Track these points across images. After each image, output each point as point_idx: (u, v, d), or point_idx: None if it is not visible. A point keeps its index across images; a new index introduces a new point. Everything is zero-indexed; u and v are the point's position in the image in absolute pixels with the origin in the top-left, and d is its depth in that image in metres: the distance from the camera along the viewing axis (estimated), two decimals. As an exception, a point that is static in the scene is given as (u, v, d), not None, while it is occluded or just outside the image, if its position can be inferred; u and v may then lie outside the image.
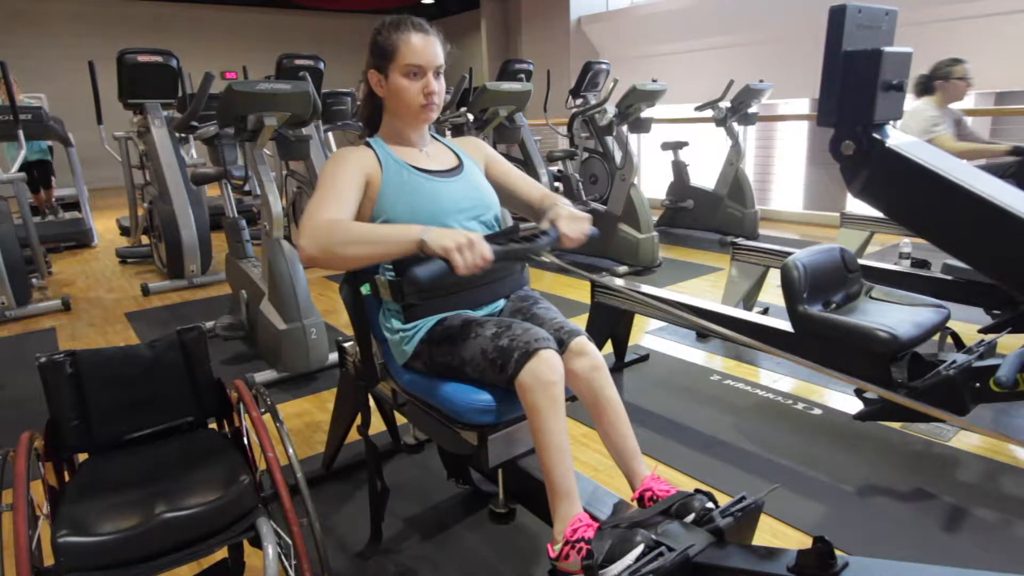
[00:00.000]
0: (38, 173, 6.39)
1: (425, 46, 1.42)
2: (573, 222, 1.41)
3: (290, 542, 1.36)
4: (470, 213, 1.49)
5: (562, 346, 1.36)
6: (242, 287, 3.35)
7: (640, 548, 1.11)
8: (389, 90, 1.46)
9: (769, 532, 1.80)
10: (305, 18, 13.20)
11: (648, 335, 3.38)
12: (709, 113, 5.39)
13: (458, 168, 1.55)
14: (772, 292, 3.21)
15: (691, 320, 2.49)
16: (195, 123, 3.57)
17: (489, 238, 1.28)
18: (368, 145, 1.50)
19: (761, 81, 5.30)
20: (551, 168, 5.83)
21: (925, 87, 3.42)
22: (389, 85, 1.45)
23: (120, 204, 7.38)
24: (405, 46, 1.41)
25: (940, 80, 3.35)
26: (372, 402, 1.76)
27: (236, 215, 3.55)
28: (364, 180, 1.42)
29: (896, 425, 2.32)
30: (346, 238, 1.25)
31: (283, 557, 1.34)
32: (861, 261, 2.71)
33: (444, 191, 1.47)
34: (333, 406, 2.09)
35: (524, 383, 1.24)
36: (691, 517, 1.21)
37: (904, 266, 3.06)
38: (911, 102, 3.51)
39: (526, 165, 5.71)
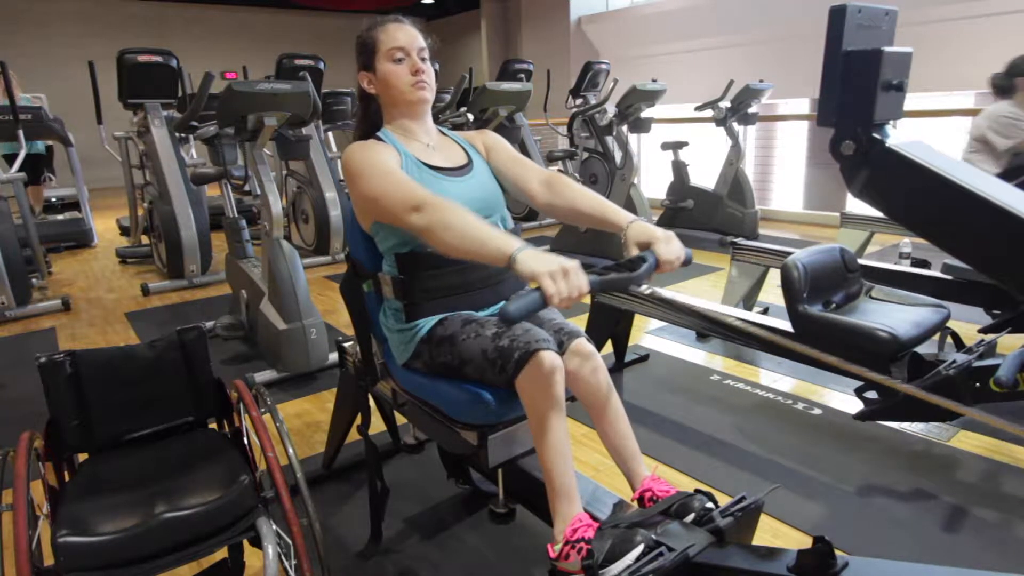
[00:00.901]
0: (29, 168, 6.36)
1: (403, 30, 1.46)
2: (670, 244, 1.28)
3: (290, 542, 1.36)
4: (477, 215, 1.48)
5: (562, 347, 1.36)
6: (242, 287, 3.35)
7: (640, 548, 1.11)
8: (379, 82, 1.47)
9: (769, 532, 1.80)
10: (305, 18, 13.20)
11: (648, 335, 3.38)
12: (709, 113, 5.39)
13: (467, 167, 1.54)
14: (772, 292, 3.21)
15: (691, 320, 2.49)
16: (195, 123, 3.57)
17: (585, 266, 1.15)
18: (379, 139, 1.49)
19: (761, 81, 5.30)
20: (551, 168, 5.83)
21: (1004, 88, 3.14)
22: (378, 77, 1.47)
23: (120, 204, 7.38)
24: (384, 34, 1.45)
25: (1022, 78, 3.07)
26: (372, 402, 1.76)
27: (236, 215, 3.55)
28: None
29: (896, 425, 2.32)
30: (452, 222, 1.20)
31: (283, 557, 1.34)
32: (861, 261, 2.71)
33: (453, 191, 1.46)
34: (333, 406, 2.09)
35: (524, 383, 1.24)
36: (691, 517, 1.21)
37: (904, 266, 3.06)
38: (990, 105, 3.27)
39: (526, 165, 5.70)
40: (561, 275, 1.06)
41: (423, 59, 1.47)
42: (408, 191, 1.28)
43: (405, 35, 1.46)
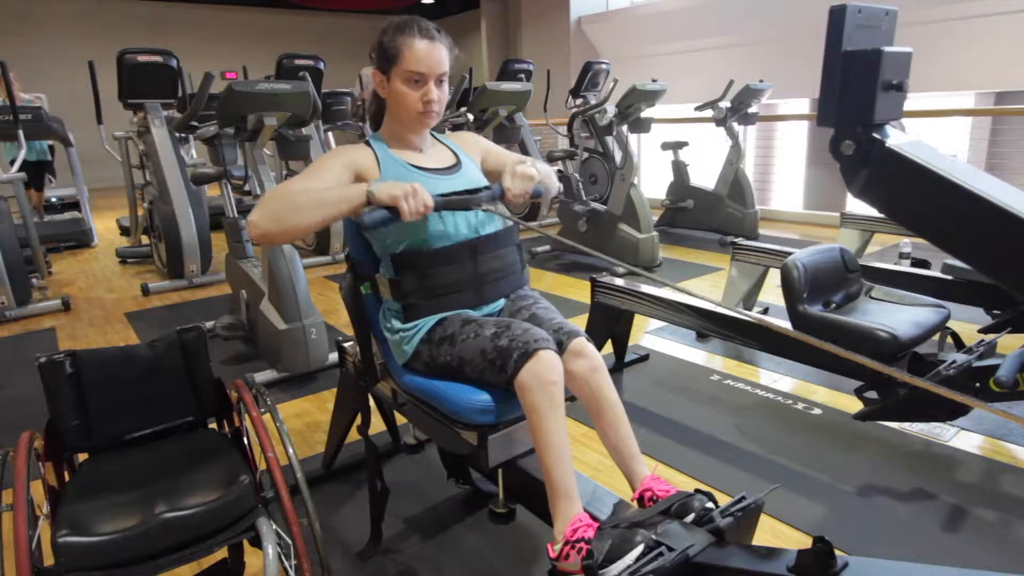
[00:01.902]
0: (33, 173, 6.38)
1: (429, 53, 1.41)
2: (517, 177, 1.42)
3: (290, 542, 1.36)
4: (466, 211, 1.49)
5: (561, 347, 1.36)
6: (242, 287, 3.35)
7: (640, 548, 1.11)
8: (390, 93, 1.47)
9: (769, 532, 1.80)
10: (305, 18, 13.20)
11: (648, 335, 3.38)
12: (709, 113, 5.39)
13: (456, 166, 1.55)
14: (772, 292, 3.21)
15: (691, 320, 2.49)
16: (195, 123, 3.57)
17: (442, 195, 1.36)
18: (367, 144, 1.50)
19: (761, 81, 5.30)
20: (552, 167, 5.83)
21: None
22: (390, 88, 1.45)
23: (120, 204, 7.38)
24: (408, 51, 1.40)
25: None
26: (372, 402, 1.76)
27: (236, 215, 3.55)
28: (351, 176, 1.43)
29: (896, 425, 2.32)
30: (300, 204, 1.28)
31: (283, 557, 1.34)
32: (861, 261, 2.71)
33: (441, 188, 1.47)
34: (333, 406, 2.09)
35: (523, 383, 1.24)
36: (691, 517, 1.21)
37: (904, 266, 3.06)
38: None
39: (526, 165, 5.70)
40: (412, 194, 1.26)
41: (440, 83, 1.45)
42: (275, 189, 1.34)
43: (429, 60, 1.41)
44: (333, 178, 1.40)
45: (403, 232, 1.43)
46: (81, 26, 10.99)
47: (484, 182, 1.57)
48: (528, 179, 1.42)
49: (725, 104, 5.31)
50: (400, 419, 1.83)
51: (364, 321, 1.58)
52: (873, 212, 2.41)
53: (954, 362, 1.93)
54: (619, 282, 2.75)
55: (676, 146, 5.76)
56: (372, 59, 1.48)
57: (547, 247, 5.31)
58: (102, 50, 7.17)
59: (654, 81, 4.84)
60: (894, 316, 2.10)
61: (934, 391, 0.86)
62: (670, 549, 1.12)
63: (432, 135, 1.61)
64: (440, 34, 1.45)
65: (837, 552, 1.07)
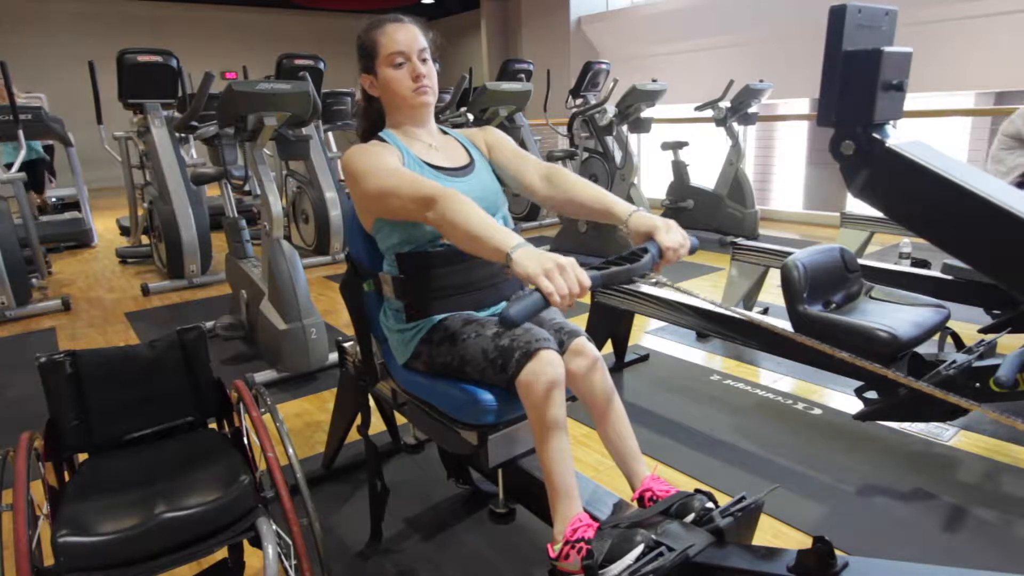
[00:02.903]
0: (29, 173, 6.37)
1: (403, 31, 1.44)
2: (670, 233, 1.25)
3: (290, 542, 1.36)
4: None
5: (562, 347, 1.36)
6: (242, 287, 3.35)
7: (640, 548, 1.11)
8: (381, 86, 1.47)
9: (769, 532, 1.80)
10: (305, 18, 13.20)
11: (648, 335, 3.38)
12: (709, 113, 5.39)
13: (469, 166, 1.54)
14: (772, 292, 3.21)
15: (691, 320, 2.49)
16: (195, 123, 3.57)
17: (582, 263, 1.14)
18: (381, 139, 1.49)
19: (761, 81, 5.30)
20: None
21: None
22: (379, 81, 1.46)
23: (120, 204, 7.38)
24: (384, 37, 1.43)
25: None
26: (372, 402, 1.76)
27: (236, 215, 3.55)
28: None
29: (896, 425, 2.32)
30: (460, 214, 1.18)
31: (283, 557, 1.34)
32: (861, 261, 2.71)
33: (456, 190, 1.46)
34: (333, 406, 2.09)
35: (524, 383, 1.24)
36: (691, 517, 1.21)
37: (904, 266, 3.06)
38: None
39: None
40: (558, 272, 1.03)
41: (424, 60, 1.45)
42: (418, 185, 1.28)
43: (405, 36, 1.43)
44: (404, 167, 1.38)
45: (409, 232, 1.43)
46: (81, 26, 10.99)
47: (494, 185, 1.55)
48: (680, 231, 1.28)
49: (725, 104, 5.31)
50: (400, 419, 1.83)
51: (364, 320, 1.58)
52: (873, 212, 2.41)
53: (954, 362, 1.93)
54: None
55: (676, 146, 5.76)
56: (359, 67, 1.50)
57: (547, 247, 5.31)
58: (102, 50, 7.18)
59: (654, 81, 4.84)
60: (894, 316, 2.10)
61: (928, 393, 0.86)
62: (670, 549, 1.11)
63: (443, 130, 1.61)
64: (410, 17, 1.48)
65: (837, 552, 1.07)
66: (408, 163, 1.44)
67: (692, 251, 1.29)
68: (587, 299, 2.89)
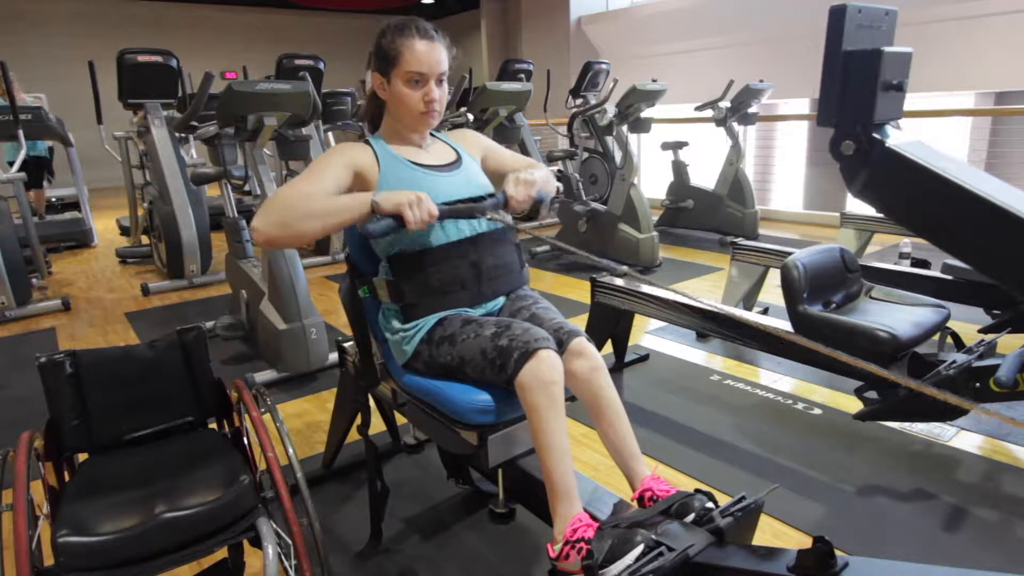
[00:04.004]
0: (33, 170, 6.37)
1: (429, 53, 1.41)
2: (520, 184, 1.41)
3: (290, 542, 1.36)
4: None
5: (561, 346, 1.36)
6: (242, 287, 3.35)
7: (640, 548, 1.11)
8: (391, 94, 1.46)
9: (769, 532, 1.80)
10: (305, 18, 13.20)
11: (648, 335, 3.38)
12: (709, 113, 5.39)
13: (456, 163, 1.55)
14: (772, 292, 3.21)
15: (691, 320, 2.49)
16: (195, 123, 3.57)
17: (446, 204, 1.37)
18: (367, 143, 1.50)
19: (761, 81, 5.30)
20: (551, 168, 5.83)
21: None
22: (391, 90, 1.45)
23: (120, 204, 7.38)
24: (408, 52, 1.41)
25: None
26: (372, 402, 1.76)
27: (236, 215, 3.55)
28: (350, 176, 1.43)
29: (896, 425, 2.32)
30: (304, 212, 1.29)
31: (283, 557, 1.34)
32: (861, 261, 2.71)
33: (442, 184, 1.47)
34: (333, 406, 2.09)
35: (524, 383, 1.24)
36: (691, 517, 1.21)
37: (904, 266, 3.06)
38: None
39: (526, 165, 5.71)
40: (416, 203, 1.27)
41: (440, 82, 1.45)
42: (278, 193, 1.34)
43: (429, 60, 1.41)
44: (333, 179, 1.40)
45: (401, 232, 1.43)
46: (81, 26, 10.99)
47: (484, 180, 1.57)
48: (530, 185, 1.42)
49: (725, 104, 5.31)
50: (400, 419, 1.83)
51: (363, 322, 1.58)
52: (873, 212, 2.41)
53: (954, 362, 1.93)
54: (619, 282, 2.75)
55: (676, 146, 5.76)
56: (371, 61, 1.48)
57: (546, 247, 5.31)
58: (102, 50, 7.17)
59: (654, 81, 4.84)
60: (894, 316, 2.10)
61: (928, 393, 0.86)
62: (670, 549, 1.12)
63: (432, 133, 1.61)
64: (438, 34, 1.45)
65: (837, 552, 1.07)
66: (388, 164, 1.47)
67: (539, 201, 1.45)
68: (587, 299, 2.89)
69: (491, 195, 1.45)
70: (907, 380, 0.94)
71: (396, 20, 1.44)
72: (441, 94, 1.46)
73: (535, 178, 1.43)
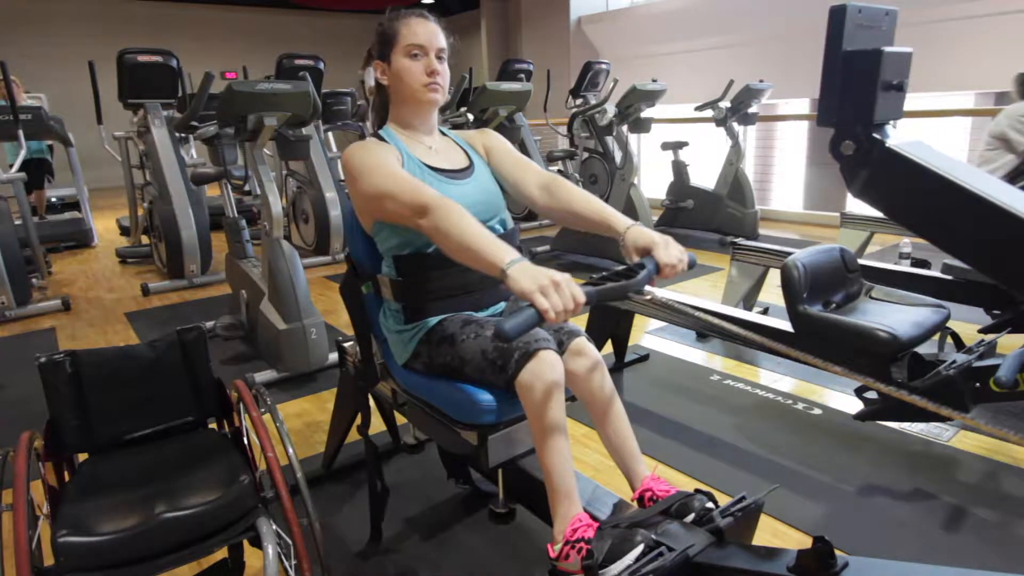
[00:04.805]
0: (34, 172, 6.38)
1: (426, 27, 1.43)
2: (668, 249, 1.24)
3: (290, 542, 1.36)
4: (477, 218, 1.48)
5: (561, 347, 1.36)
6: (242, 287, 3.35)
7: (640, 548, 1.11)
8: (392, 75, 1.46)
9: (769, 532, 1.80)
10: (305, 18, 13.20)
11: (648, 335, 3.38)
12: (709, 113, 5.39)
13: (468, 169, 1.53)
14: (772, 292, 3.21)
15: (691, 320, 2.49)
16: (195, 123, 3.57)
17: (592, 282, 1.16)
18: (381, 138, 1.48)
19: (761, 81, 5.30)
20: (551, 168, 5.84)
21: None
22: (392, 70, 1.45)
23: (120, 204, 7.38)
24: (405, 28, 1.43)
25: None
26: (372, 402, 1.76)
27: (236, 215, 3.55)
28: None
29: (896, 425, 2.32)
30: (454, 226, 1.19)
31: (283, 557, 1.34)
32: (861, 261, 2.71)
33: (453, 193, 1.45)
34: (333, 406, 2.09)
35: (524, 383, 1.24)
36: (691, 517, 1.21)
37: (904, 266, 3.06)
38: (1013, 106, 3.37)
39: (526, 165, 5.72)
40: (553, 289, 1.03)
41: (440, 59, 1.45)
42: (413, 191, 1.28)
43: (426, 32, 1.43)
44: (403, 169, 1.37)
45: (409, 234, 1.42)
46: (81, 26, 10.99)
47: (494, 188, 1.55)
48: (678, 247, 1.27)
49: (725, 104, 5.31)
50: (400, 419, 1.83)
51: (364, 321, 1.58)
52: (873, 212, 2.41)
53: (954, 362, 1.93)
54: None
55: (676, 146, 5.76)
56: (371, 54, 1.49)
57: (547, 247, 5.31)
58: (102, 50, 7.17)
59: (654, 81, 4.84)
60: (894, 316, 2.10)
61: (920, 406, 0.85)
62: (670, 549, 1.11)
63: (441, 131, 1.60)
64: (434, 16, 1.47)
65: (837, 552, 1.07)
66: (407, 165, 1.43)
67: (690, 266, 1.29)
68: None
69: (638, 265, 1.22)
70: (888, 388, 0.93)
71: (390, 11, 1.47)
72: (443, 70, 1.45)
73: (670, 238, 1.29)
